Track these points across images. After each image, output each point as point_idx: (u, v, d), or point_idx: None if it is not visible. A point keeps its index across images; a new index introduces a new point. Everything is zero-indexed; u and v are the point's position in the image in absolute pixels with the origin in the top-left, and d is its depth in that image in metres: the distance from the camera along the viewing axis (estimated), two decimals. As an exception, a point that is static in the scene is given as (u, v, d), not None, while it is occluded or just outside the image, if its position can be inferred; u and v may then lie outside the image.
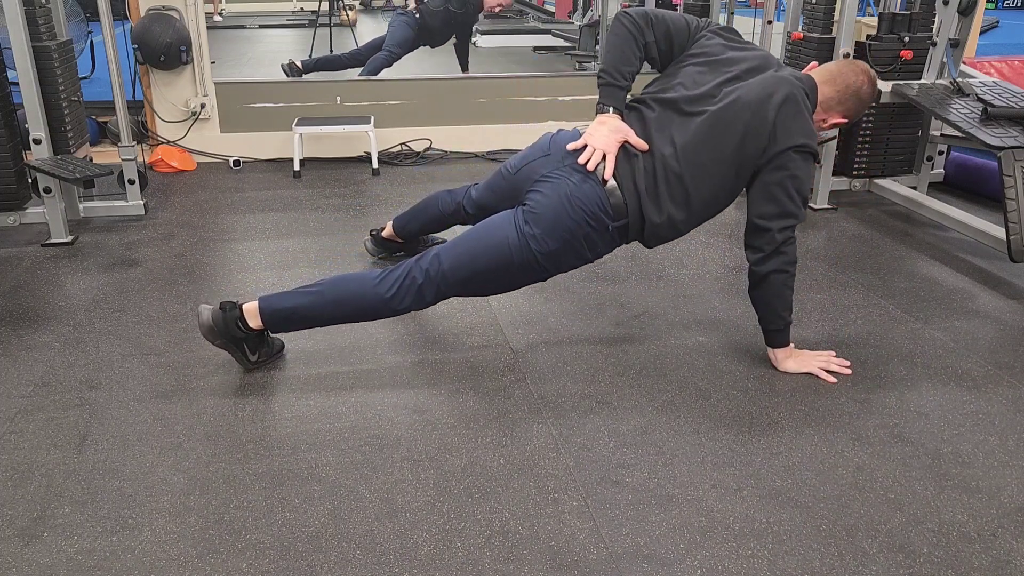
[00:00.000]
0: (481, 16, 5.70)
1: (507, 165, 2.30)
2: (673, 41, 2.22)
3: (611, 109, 2.16)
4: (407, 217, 2.85)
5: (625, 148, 2.11)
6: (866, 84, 2.24)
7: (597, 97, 2.19)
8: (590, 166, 2.08)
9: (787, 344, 2.23)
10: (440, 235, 2.95)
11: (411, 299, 2.13)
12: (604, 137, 2.10)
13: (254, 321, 2.13)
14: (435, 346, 2.38)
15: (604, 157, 2.09)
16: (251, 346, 2.17)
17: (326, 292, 2.13)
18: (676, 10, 5.64)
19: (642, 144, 2.11)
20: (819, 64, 2.33)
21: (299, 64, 5.23)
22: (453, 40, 5.56)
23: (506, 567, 1.54)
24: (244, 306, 2.13)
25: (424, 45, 5.40)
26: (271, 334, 2.23)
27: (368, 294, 2.12)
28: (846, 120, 2.26)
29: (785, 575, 1.52)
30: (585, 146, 2.11)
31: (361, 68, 5.24)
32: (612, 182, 2.08)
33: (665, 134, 2.11)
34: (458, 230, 2.85)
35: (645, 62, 2.23)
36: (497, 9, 5.41)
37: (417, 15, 5.31)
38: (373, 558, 1.55)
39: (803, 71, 2.25)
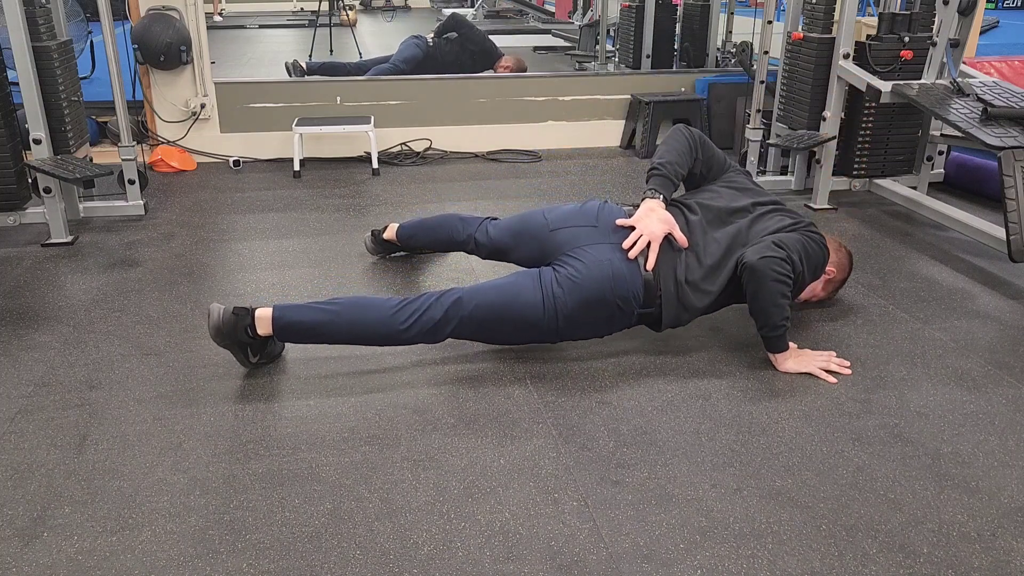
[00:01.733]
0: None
1: (541, 217, 2.35)
2: (713, 166, 2.47)
3: (661, 197, 2.27)
4: (414, 229, 2.85)
5: (668, 240, 2.21)
6: (840, 244, 2.58)
7: (645, 186, 2.33)
8: (633, 252, 2.17)
9: (785, 349, 2.24)
10: (448, 255, 3.00)
11: (425, 335, 2.15)
12: (653, 225, 2.20)
13: (264, 328, 2.13)
14: (435, 346, 2.37)
15: (648, 245, 2.18)
16: (254, 349, 2.18)
17: (343, 313, 2.14)
18: (676, 10, 5.64)
19: (684, 241, 2.22)
20: None
21: (303, 65, 5.24)
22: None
23: (506, 567, 1.54)
24: (257, 312, 2.13)
25: (427, 71, 5.42)
26: (282, 342, 2.24)
27: (384, 322, 2.13)
28: (834, 271, 2.52)
29: (785, 575, 1.52)
30: (632, 228, 2.21)
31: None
32: (650, 273, 2.18)
33: (706, 235, 2.27)
34: (460, 258, 2.87)
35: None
36: (504, 72, 5.40)
37: (431, 44, 5.32)
38: (373, 558, 1.55)
39: None
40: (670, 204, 2.32)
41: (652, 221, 2.20)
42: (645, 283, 2.18)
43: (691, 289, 2.21)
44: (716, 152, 2.48)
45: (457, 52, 5.34)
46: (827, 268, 2.45)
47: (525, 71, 5.36)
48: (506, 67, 5.36)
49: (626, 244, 2.18)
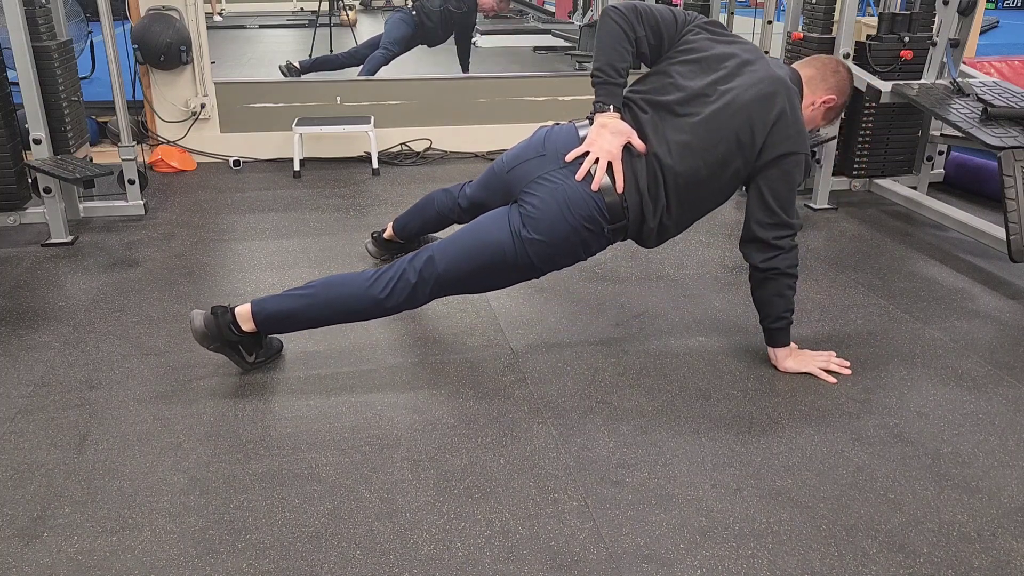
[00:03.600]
0: (480, 16, 5.68)
1: (500, 161, 2.28)
2: (663, 35, 2.18)
3: (611, 107, 2.12)
4: (406, 218, 2.85)
5: (627, 149, 2.08)
6: (839, 63, 2.30)
7: (592, 96, 2.16)
8: (597, 179, 2.04)
9: (788, 344, 2.23)
10: (440, 234, 2.95)
11: (405, 299, 2.12)
12: (608, 142, 2.06)
13: (247, 324, 2.12)
14: (435, 346, 2.38)
15: (610, 165, 2.05)
16: (247, 348, 2.17)
17: (318, 294, 2.12)
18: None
19: (642, 145, 2.08)
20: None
21: (297, 64, 5.23)
22: (453, 39, 5.56)
23: (506, 567, 1.54)
24: (236, 309, 2.12)
25: (422, 44, 5.40)
26: (268, 335, 2.23)
27: (361, 295, 2.11)
28: (835, 98, 2.25)
29: (785, 575, 1.52)
30: (585, 154, 2.07)
31: (359, 67, 5.24)
32: (607, 183, 2.05)
33: (660, 135, 2.08)
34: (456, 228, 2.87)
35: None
36: (491, 13, 5.40)
37: (414, 13, 5.31)
38: (373, 558, 1.55)
39: None
40: (620, 108, 2.14)
41: (604, 138, 2.05)
42: (606, 200, 2.05)
43: (653, 201, 2.08)
44: (662, 15, 2.17)
45: (440, 8, 5.30)
46: (826, 97, 2.23)
47: (509, 6, 5.35)
48: (489, 3, 5.37)
49: (582, 171, 2.04)
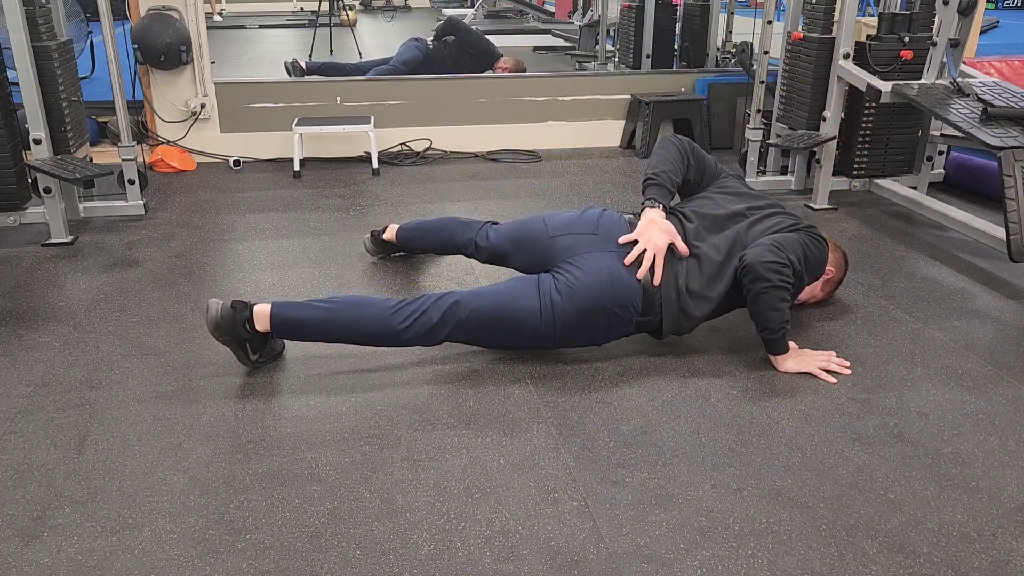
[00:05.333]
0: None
1: (541, 223, 2.35)
2: (705, 173, 2.49)
3: (661, 206, 2.28)
4: (414, 231, 2.85)
5: (671, 250, 2.21)
6: (835, 244, 2.57)
7: (643, 198, 2.33)
8: (643, 268, 2.18)
9: (786, 351, 2.24)
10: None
11: (422, 336, 2.15)
12: (656, 237, 2.20)
13: (262, 324, 2.13)
14: (435, 346, 2.37)
15: (654, 258, 2.19)
16: (253, 346, 2.18)
17: (341, 312, 2.14)
18: (676, 9, 5.63)
19: (686, 250, 2.23)
20: None
21: (303, 64, 5.24)
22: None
23: (506, 567, 1.54)
24: (255, 308, 2.13)
25: (427, 73, 5.42)
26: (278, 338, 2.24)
27: (381, 322, 2.13)
28: (833, 271, 2.53)
29: (785, 575, 1.52)
30: (635, 241, 2.21)
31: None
32: (647, 279, 2.18)
33: (706, 241, 2.27)
34: (460, 260, 2.87)
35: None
36: (503, 72, 5.40)
37: (430, 47, 5.32)
38: (373, 558, 1.55)
39: None
40: (667, 214, 2.32)
41: (654, 233, 2.21)
42: (644, 292, 2.18)
43: (691, 297, 2.21)
44: (706, 157, 2.50)
45: (456, 55, 5.35)
46: (825, 268, 2.46)
47: (524, 71, 5.36)
48: (504, 68, 5.37)
49: (628, 260, 2.18)
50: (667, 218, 2.28)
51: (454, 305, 2.15)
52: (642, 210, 2.29)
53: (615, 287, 2.16)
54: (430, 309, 2.14)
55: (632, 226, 2.27)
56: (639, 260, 2.19)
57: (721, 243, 2.27)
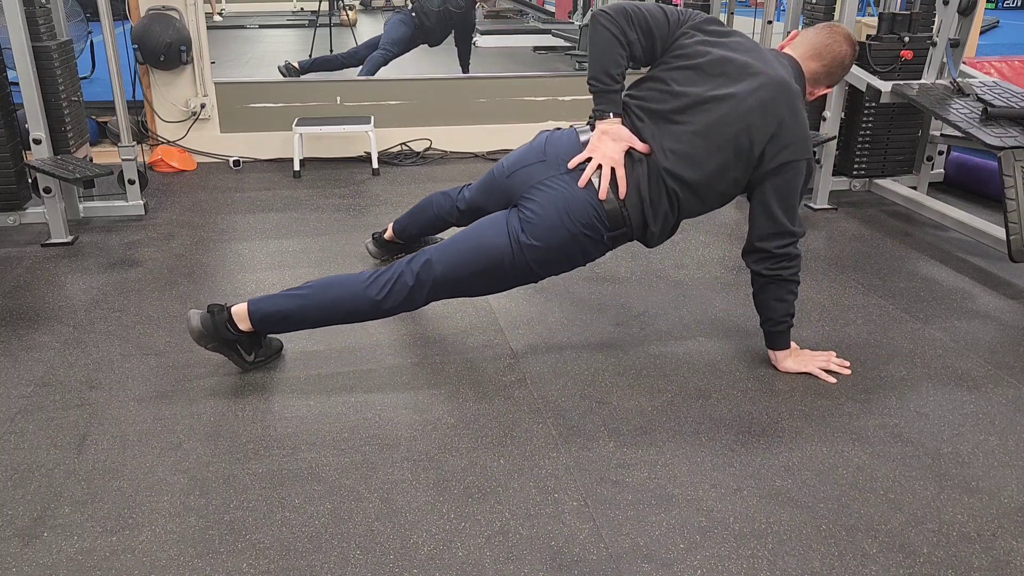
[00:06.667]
0: (480, 15, 5.68)
1: (500, 165, 2.27)
2: (655, 36, 2.12)
3: (611, 114, 2.09)
4: (406, 220, 2.85)
5: (629, 154, 2.06)
6: (849, 52, 2.23)
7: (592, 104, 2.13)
8: (603, 188, 2.03)
9: (787, 347, 2.23)
10: (440, 236, 2.95)
11: (402, 301, 2.12)
12: (610, 148, 2.05)
13: (244, 324, 2.11)
14: (435, 346, 2.38)
15: (613, 171, 2.04)
16: (245, 347, 2.17)
17: (315, 295, 2.12)
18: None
19: (645, 147, 2.06)
20: (799, 32, 2.30)
21: (296, 65, 5.23)
22: (453, 39, 5.56)
23: (506, 567, 1.54)
24: (232, 308, 2.12)
25: (422, 44, 5.40)
26: (266, 335, 2.23)
27: (358, 296, 2.10)
28: (831, 88, 2.26)
29: (785, 575, 1.52)
30: (588, 160, 2.05)
31: (359, 67, 5.24)
32: (611, 194, 2.04)
33: (658, 144, 2.06)
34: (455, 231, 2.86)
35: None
36: (490, 9, 5.40)
37: (413, 14, 5.31)
38: (373, 558, 1.55)
39: (784, 42, 2.27)
40: (619, 114, 2.12)
41: (606, 144, 2.05)
42: (608, 208, 2.04)
43: (659, 202, 2.07)
44: (652, 18, 2.11)
45: (440, 11, 5.31)
46: (827, 89, 2.22)
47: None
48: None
49: (582, 182, 2.03)
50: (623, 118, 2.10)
51: (426, 264, 2.10)
52: (592, 122, 2.11)
53: (573, 210, 2.03)
54: (404, 273, 2.10)
55: (586, 142, 2.10)
56: (594, 178, 2.03)
57: (672, 147, 2.04)
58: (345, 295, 2.11)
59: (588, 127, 2.14)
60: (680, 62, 2.11)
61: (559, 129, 2.21)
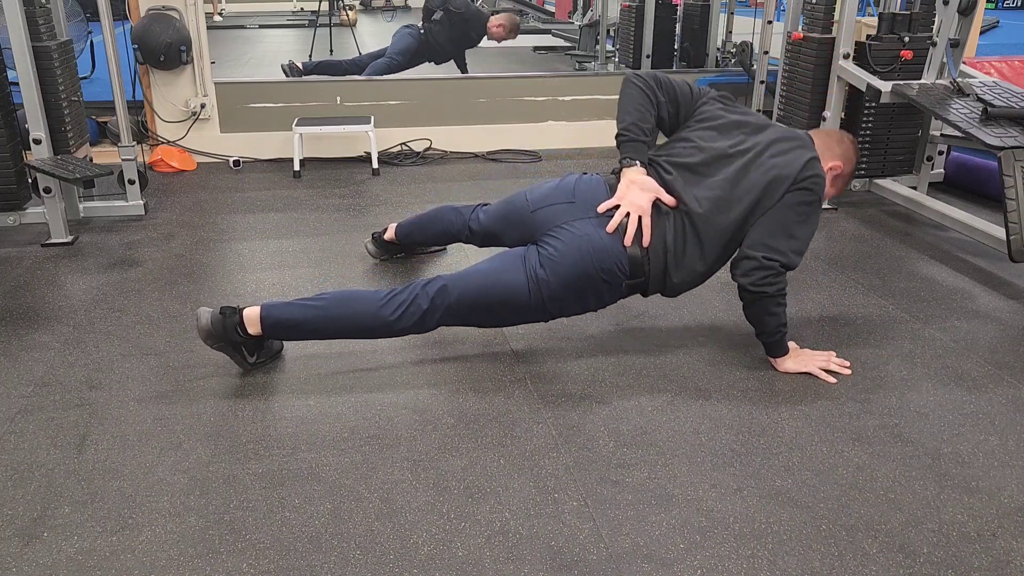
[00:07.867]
0: (485, 39, 5.68)
1: (523, 198, 2.31)
2: (680, 104, 2.30)
3: (638, 163, 2.18)
4: (411, 227, 2.85)
5: (656, 206, 2.15)
6: (843, 133, 2.43)
7: (619, 155, 2.22)
8: (629, 235, 2.10)
9: (785, 353, 2.23)
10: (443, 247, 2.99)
11: (414, 324, 2.14)
12: (638, 197, 2.13)
13: (253, 328, 2.12)
14: (435, 346, 2.38)
15: (639, 220, 2.11)
16: (249, 349, 2.17)
17: (330, 308, 2.13)
18: (676, 10, 5.63)
19: (672, 200, 2.15)
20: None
21: (299, 65, 5.23)
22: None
23: (506, 567, 1.54)
24: (245, 312, 2.12)
25: (427, 61, 5.40)
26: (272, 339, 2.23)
27: (372, 314, 2.12)
28: (841, 165, 2.30)
29: (785, 575, 1.52)
30: (616, 206, 2.13)
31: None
32: (635, 245, 2.12)
33: (689, 194, 2.15)
34: (460, 247, 2.87)
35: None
36: (498, 37, 5.40)
37: (422, 32, 5.32)
38: (373, 558, 1.55)
39: None
40: (647, 167, 2.21)
41: (634, 193, 2.13)
42: (630, 255, 2.12)
43: (677, 256, 2.15)
44: (678, 86, 2.30)
45: (448, 29, 5.31)
46: (832, 164, 2.27)
47: (518, 26, 5.33)
48: (499, 25, 5.35)
49: (610, 228, 2.11)
50: (648, 172, 2.19)
51: (442, 290, 2.14)
52: (619, 171, 2.20)
53: (596, 254, 2.10)
54: (419, 296, 2.13)
55: (612, 189, 2.19)
56: (625, 227, 2.11)
57: (703, 195, 2.14)
58: (360, 311, 2.13)
59: (614, 176, 2.22)
60: (702, 124, 2.27)
61: (586, 174, 2.30)
